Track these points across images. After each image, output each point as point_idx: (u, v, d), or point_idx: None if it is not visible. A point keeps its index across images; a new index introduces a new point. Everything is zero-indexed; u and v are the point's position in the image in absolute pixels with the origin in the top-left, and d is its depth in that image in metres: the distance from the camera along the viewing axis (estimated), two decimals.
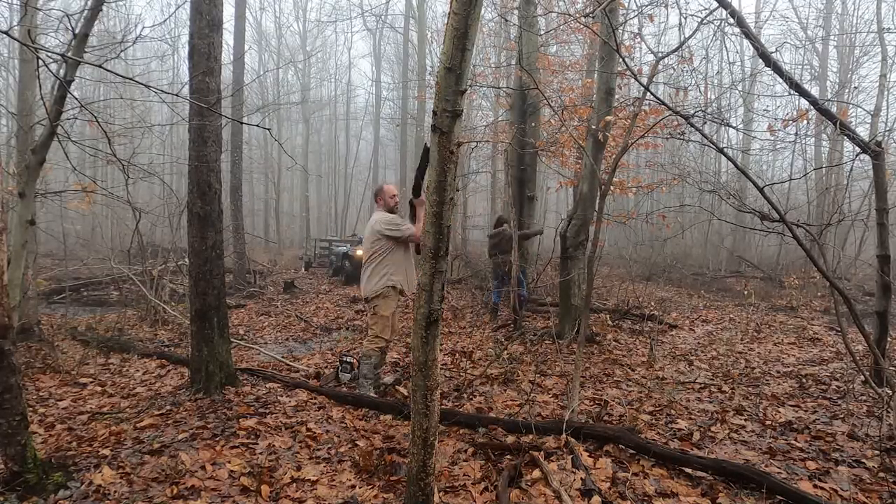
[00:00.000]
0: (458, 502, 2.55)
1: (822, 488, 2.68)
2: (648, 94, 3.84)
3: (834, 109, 5.40)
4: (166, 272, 8.58)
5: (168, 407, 3.85)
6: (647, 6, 5.26)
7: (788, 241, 7.34)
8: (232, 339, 4.81)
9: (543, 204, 20.73)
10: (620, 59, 4.03)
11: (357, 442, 3.26)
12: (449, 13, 1.88)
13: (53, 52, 4.44)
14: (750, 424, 3.65)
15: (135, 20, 19.36)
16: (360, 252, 12.59)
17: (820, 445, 3.27)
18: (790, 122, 5.15)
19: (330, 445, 3.23)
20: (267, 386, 4.40)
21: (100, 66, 2.69)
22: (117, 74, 2.81)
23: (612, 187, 5.44)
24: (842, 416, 3.86)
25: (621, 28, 6.14)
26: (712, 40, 6.66)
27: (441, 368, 4.69)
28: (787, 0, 20.50)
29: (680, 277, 14.15)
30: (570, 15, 6.44)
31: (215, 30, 4.12)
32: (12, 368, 2.48)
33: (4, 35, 3.35)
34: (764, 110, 11.99)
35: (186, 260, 5.45)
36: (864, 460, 3.03)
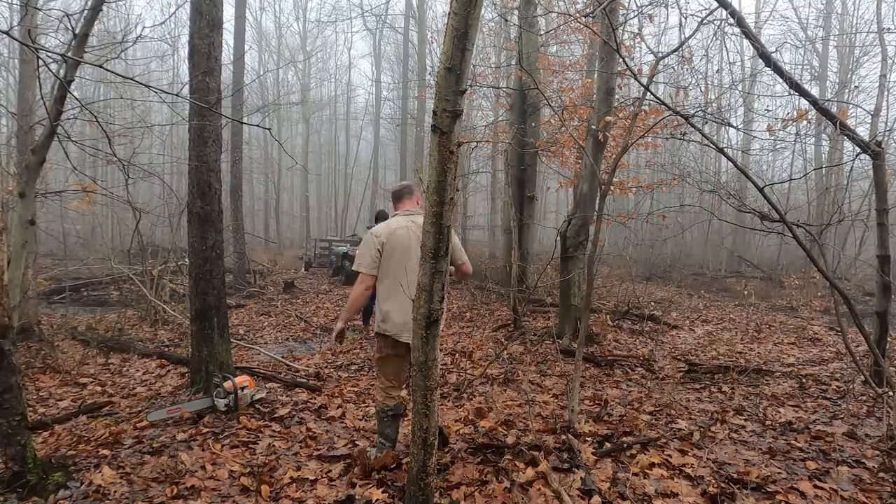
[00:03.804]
0: (459, 502, 2.55)
1: (821, 488, 2.68)
2: (648, 94, 3.84)
3: (834, 109, 5.39)
4: (166, 272, 8.57)
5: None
6: (647, 6, 5.25)
7: (788, 241, 7.33)
8: (232, 339, 4.81)
9: (543, 204, 20.76)
10: (620, 59, 4.03)
11: (357, 441, 3.26)
12: (449, 13, 1.88)
13: (53, 52, 4.44)
14: (750, 424, 3.65)
15: (135, 20, 19.36)
16: None
17: (820, 445, 3.26)
18: (790, 122, 5.14)
19: (330, 445, 3.23)
20: (267, 386, 4.40)
21: (100, 66, 2.69)
22: (117, 74, 2.81)
23: (612, 187, 5.44)
24: (842, 416, 3.86)
25: (621, 28, 6.14)
26: (712, 40, 6.65)
27: (441, 368, 4.68)
28: (787, 0, 20.52)
29: (680, 277, 14.15)
30: (570, 15, 6.44)
31: (215, 30, 4.12)
32: (12, 368, 2.48)
33: (4, 35, 3.35)
34: (765, 110, 12.00)
35: (186, 260, 5.44)
36: (864, 460, 3.03)
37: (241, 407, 3.70)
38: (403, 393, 3.09)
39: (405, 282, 2.76)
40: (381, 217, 7.40)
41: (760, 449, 3.21)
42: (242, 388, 3.74)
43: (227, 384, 3.69)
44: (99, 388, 4.51)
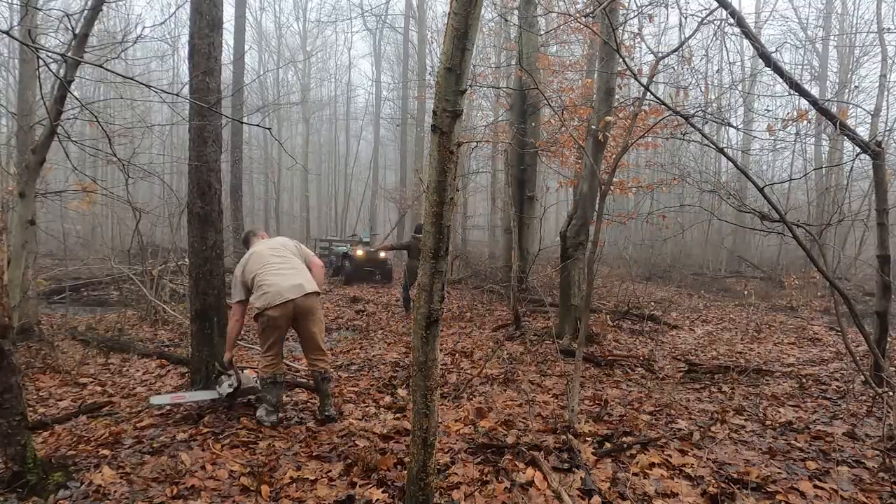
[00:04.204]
0: (459, 502, 2.55)
1: (821, 488, 2.68)
2: (648, 94, 3.84)
3: (834, 109, 5.39)
4: (166, 272, 8.57)
5: (169, 406, 3.85)
6: (647, 6, 5.26)
7: (788, 241, 7.34)
8: None
9: (543, 204, 20.76)
10: (620, 59, 4.03)
11: (357, 441, 3.26)
12: (449, 13, 1.88)
13: (53, 52, 4.44)
14: (750, 424, 3.65)
15: (135, 20, 19.34)
16: (360, 252, 12.64)
17: (820, 445, 3.26)
18: (790, 122, 5.14)
19: (330, 445, 3.23)
20: None
21: (100, 66, 2.69)
22: (117, 74, 2.81)
23: (612, 187, 5.44)
24: (842, 416, 3.86)
25: (621, 28, 6.14)
26: (712, 40, 6.66)
27: (441, 368, 4.68)
28: (787, 0, 20.53)
29: (680, 277, 14.15)
30: (570, 15, 6.45)
31: (215, 30, 4.12)
32: (12, 368, 2.48)
33: (5, 35, 3.35)
34: (765, 110, 12.00)
35: (186, 260, 5.44)
36: (864, 460, 3.03)
37: (244, 386, 3.70)
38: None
39: (273, 268, 3.55)
40: (418, 231, 7.54)
41: (760, 449, 3.21)
42: (243, 370, 3.79)
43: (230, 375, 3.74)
44: (99, 388, 4.51)
